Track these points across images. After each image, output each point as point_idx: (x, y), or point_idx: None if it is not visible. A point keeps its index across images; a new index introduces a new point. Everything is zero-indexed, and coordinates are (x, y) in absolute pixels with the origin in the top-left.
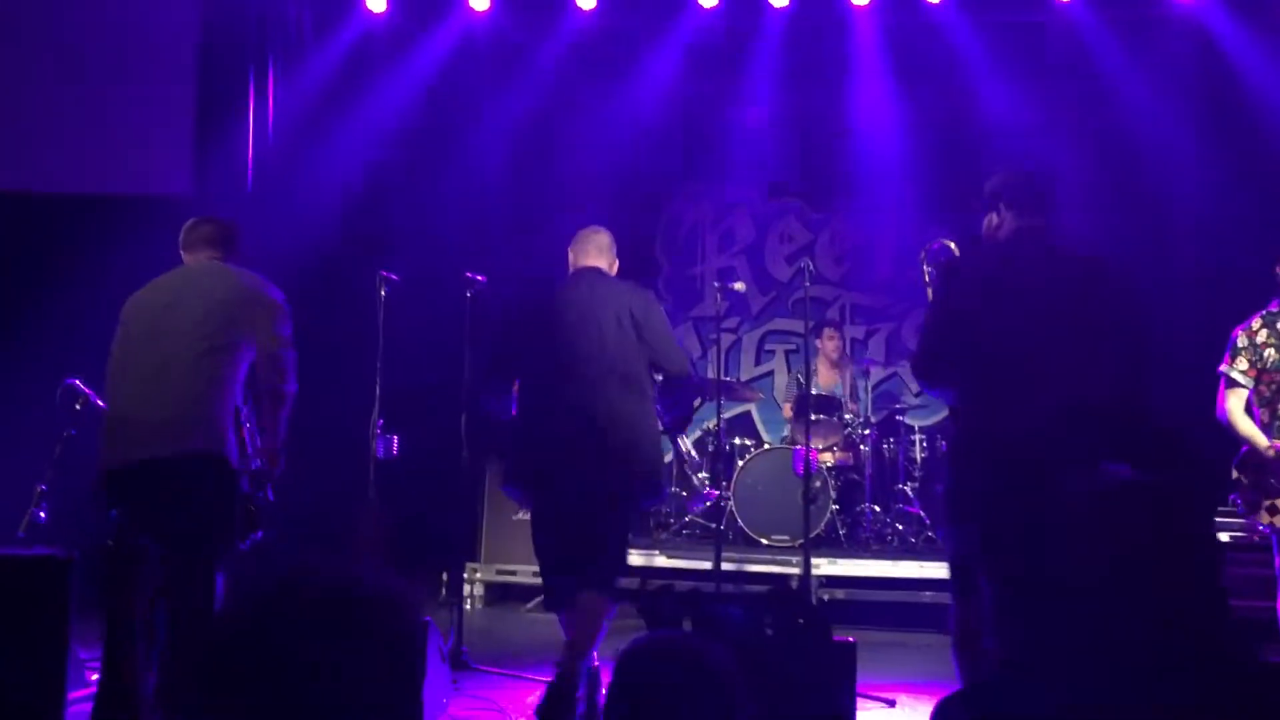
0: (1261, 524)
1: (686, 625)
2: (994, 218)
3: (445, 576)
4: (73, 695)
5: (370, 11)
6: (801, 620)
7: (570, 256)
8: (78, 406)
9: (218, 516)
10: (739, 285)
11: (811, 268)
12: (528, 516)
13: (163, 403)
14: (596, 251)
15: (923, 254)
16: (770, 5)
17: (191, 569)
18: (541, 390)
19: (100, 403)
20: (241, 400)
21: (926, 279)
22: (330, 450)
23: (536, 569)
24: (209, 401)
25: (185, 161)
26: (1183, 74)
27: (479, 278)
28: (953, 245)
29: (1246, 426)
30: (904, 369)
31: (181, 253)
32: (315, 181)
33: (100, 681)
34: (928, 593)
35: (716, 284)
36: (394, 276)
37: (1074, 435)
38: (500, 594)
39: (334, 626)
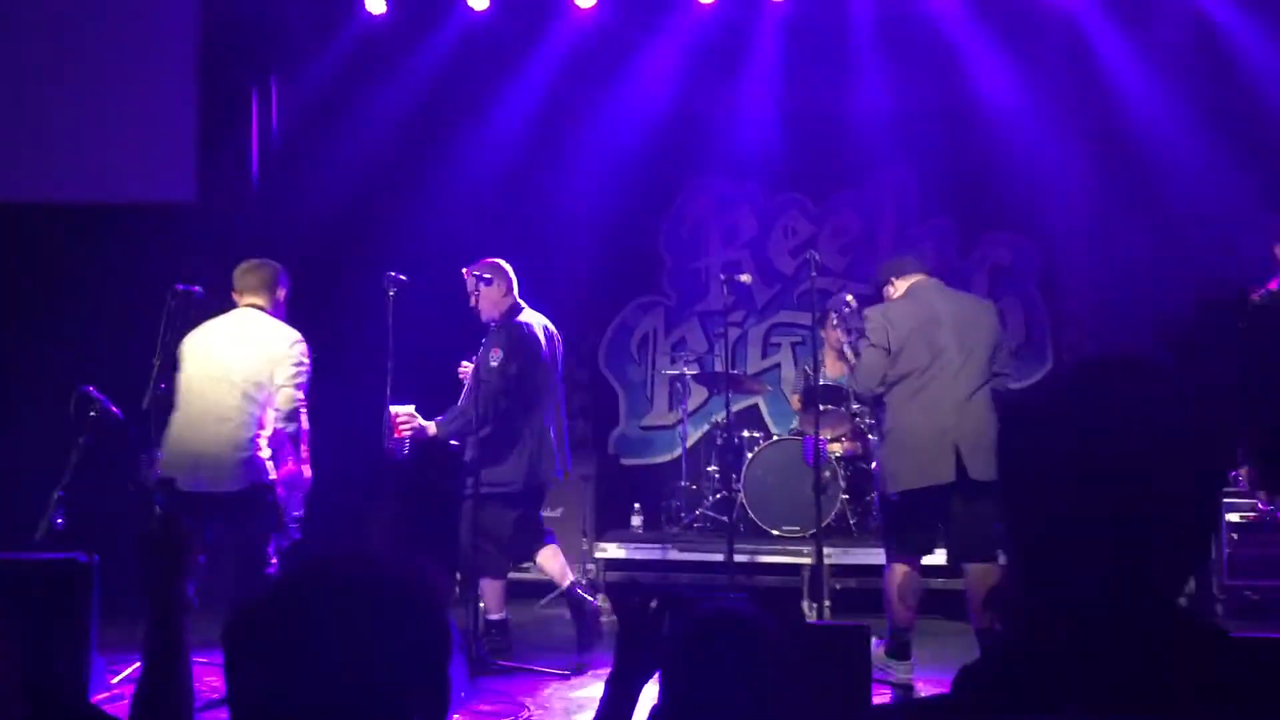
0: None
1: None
2: (890, 289)
3: (459, 576)
4: (94, 699)
5: (369, 13)
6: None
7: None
8: (92, 414)
9: (264, 524)
10: (745, 277)
11: (817, 259)
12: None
13: (218, 443)
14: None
15: (833, 315)
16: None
17: (249, 557)
18: None
19: (115, 410)
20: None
21: (839, 329)
22: (343, 452)
23: None
24: (252, 443)
25: (189, 168)
26: (1180, 59)
27: (401, 276)
28: (850, 299)
29: None
30: None
31: (234, 294)
32: (319, 184)
33: (147, 668)
34: (939, 579)
35: (723, 276)
36: (402, 277)
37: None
38: (513, 591)
39: (366, 606)
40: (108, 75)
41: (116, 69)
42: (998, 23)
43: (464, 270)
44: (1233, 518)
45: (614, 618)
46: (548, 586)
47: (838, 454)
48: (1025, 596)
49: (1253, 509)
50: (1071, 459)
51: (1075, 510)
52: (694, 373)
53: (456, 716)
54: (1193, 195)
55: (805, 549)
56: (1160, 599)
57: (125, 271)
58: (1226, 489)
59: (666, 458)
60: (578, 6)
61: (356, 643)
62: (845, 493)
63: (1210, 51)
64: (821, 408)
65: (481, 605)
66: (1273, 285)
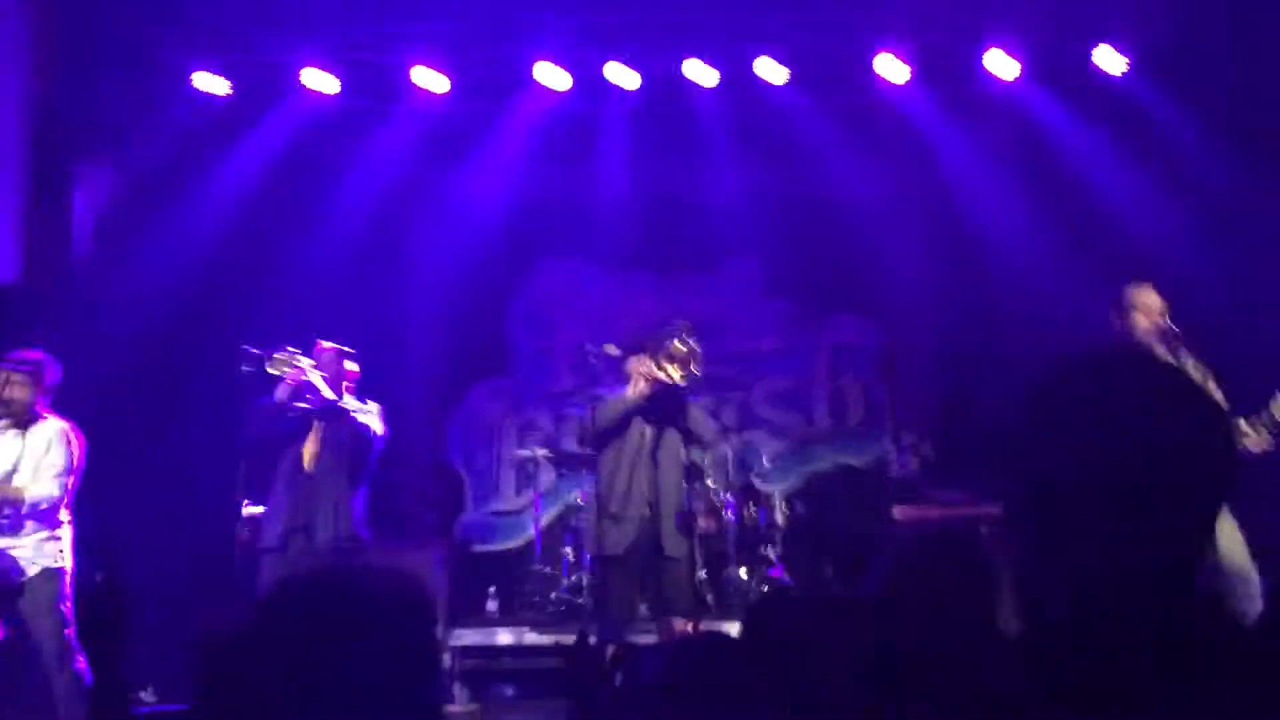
0: None
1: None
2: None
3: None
4: None
5: (206, 93)
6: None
7: None
8: None
9: None
10: (611, 348)
11: (610, 351)
12: None
13: None
14: None
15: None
16: (619, 88)
17: None
18: None
19: None
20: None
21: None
22: (197, 531)
23: None
24: None
25: (10, 248)
26: (1007, 148)
27: (254, 350)
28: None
29: None
30: (757, 435)
31: None
32: (152, 264)
33: None
34: None
35: (589, 347)
36: (255, 350)
37: None
38: None
39: (358, 617)
40: None
41: None
42: (838, 114)
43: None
44: None
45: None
46: None
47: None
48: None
49: None
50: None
51: (1084, 495)
52: (546, 454)
53: None
54: (1027, 278)
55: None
56: (1177, 585)
57: None
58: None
59: (516, 542)
60: (428, 90)
61: (350, 652)
62: (702, 568)
63: (1036, 143)
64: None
65: None
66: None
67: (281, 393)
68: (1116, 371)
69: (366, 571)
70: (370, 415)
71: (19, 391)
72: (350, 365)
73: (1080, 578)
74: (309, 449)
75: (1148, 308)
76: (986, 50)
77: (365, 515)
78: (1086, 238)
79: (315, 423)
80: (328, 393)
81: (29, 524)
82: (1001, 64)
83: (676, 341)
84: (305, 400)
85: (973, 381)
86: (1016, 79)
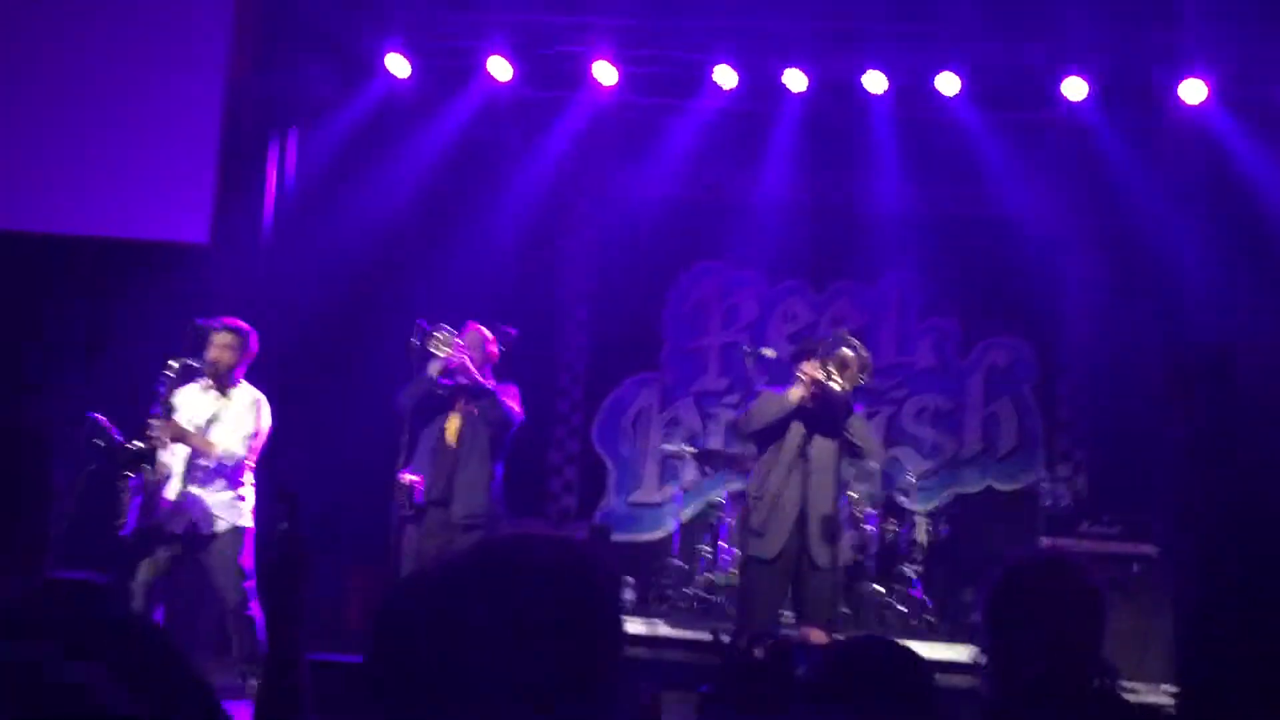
0: None
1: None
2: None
3: None
4: None
5: (394, 75)
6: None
7: None
8: (100, 442)
9: None
10: (769, 351)
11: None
12: None
13: None
14: None
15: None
16: (788, 89)
17: None
18: None
19: (119, 437)
20: None
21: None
22: (363, 496)
23: None
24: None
25: (204, 211)
26: (1191, 178)
27: (427, 325)
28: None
29: None
30: (904, 451)
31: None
32: (334, 238)
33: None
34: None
35: (747, 348)
36: (428, 326)
37: None
38: None
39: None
40: (131, 114)
41: (140, 108)
42: (1011, 131)
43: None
44: None
45: None
46: None
47: None
48: None
49: None
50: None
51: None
52: (691, 450)
53: None
54: (1202, 315)
55: (795, 634)
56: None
57: (133, 307)
58: None
59: (656, 535)
60: (600, 83)
61: (519, 625)
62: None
63: (1221, 176)
64: None
65: None
66: None
67: (434, 369)
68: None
69: (534, 540)
70: (510, 398)
71: (226, 355)
72: (493, 347)
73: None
74: (452, 424)
75: None
76: (1170, 74)
77: (501, 494)
78: (1264, 269)
79: (460, 400)
80: (476, 373)
81: (219, 480)
82: (1189, 88)
83: (846, 349)
84: (455, 378)
85: (1134, 415)
86: (1203, 103)
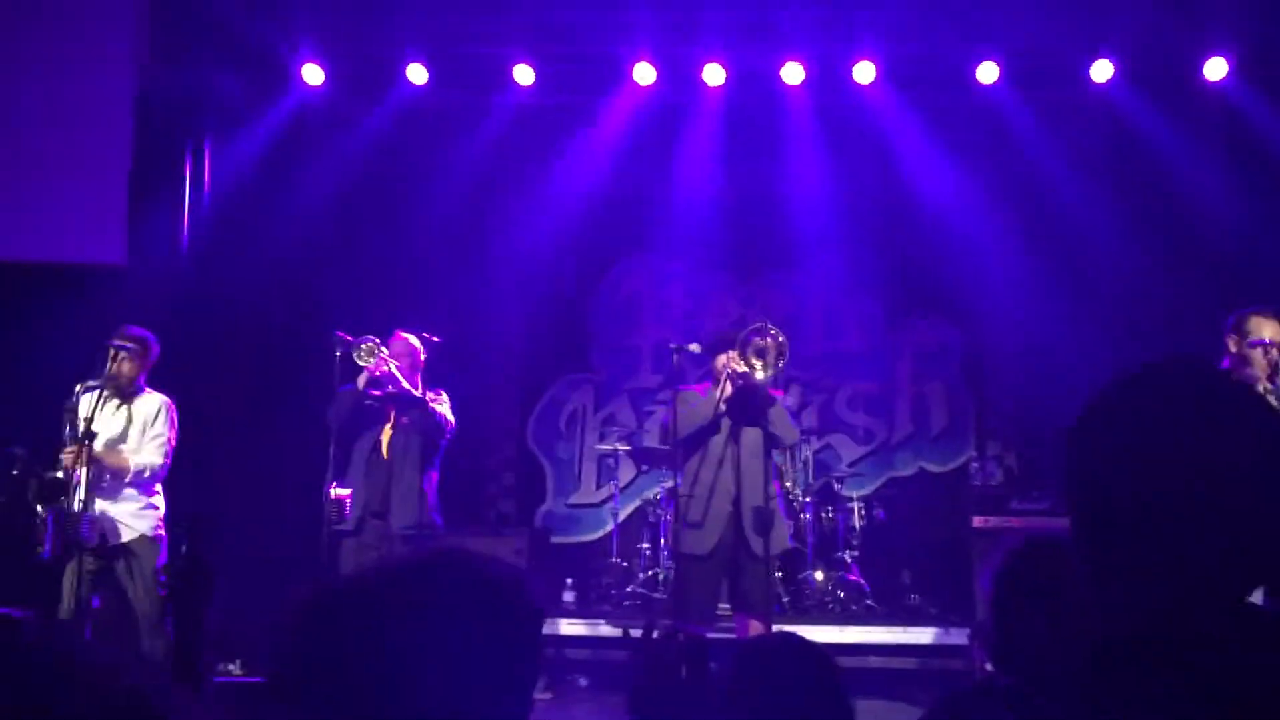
0: None
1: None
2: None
3: None
4: None
5: (307, 84)
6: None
7: None
8: (14, 472)
9: None
10: (694, 347)
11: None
12: None
13: None
14: None
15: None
16: (705, 84)
17: None
18: None
19: (36, 467)
20: None
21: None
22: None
23: None
24: None
25: (118, 231)
26: (1098, 150)
27: (347, 337)
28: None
29: None
30: (838, 439)
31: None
32: (253, 249)
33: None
34: (874, 658)
35: (673, 346)
36: (349, 337)
37: None
38: None
39: (465, 604)
40: (39, 135)
41: (48, 129)
42: (926, 112)
43: None
44: None
45: None
46: None
47: None
48: (1096, 600)
49: None
50: (1140, 462)
51: (1144, 513)
52: (626, 449)
53: None
54: (1120, 287)
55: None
56: (1232, 600)
57: (46, 331)
58: None
59: (595, 535)
60: (518, 83)
61: (450, 642)
62: (779, 571)
63: (1129, 147)
64: None
65: None
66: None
67: (362, 381)
68: (1179, 386)
69: (464, 554)
70: (442, 404)
71: (126, 366)
72: (421, 356)
73: (1135, 599)
74: (386, 436)
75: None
76: (1082, 52)
77: (438, 502)
78: (1182, 245)
79: (392, 411)
80: (405, 383)
81: (128, 491)
82: (1103, 66)
83: (760, 336)
84: (384, 388)
85: (1060, 392)
86: (1110, 80)
